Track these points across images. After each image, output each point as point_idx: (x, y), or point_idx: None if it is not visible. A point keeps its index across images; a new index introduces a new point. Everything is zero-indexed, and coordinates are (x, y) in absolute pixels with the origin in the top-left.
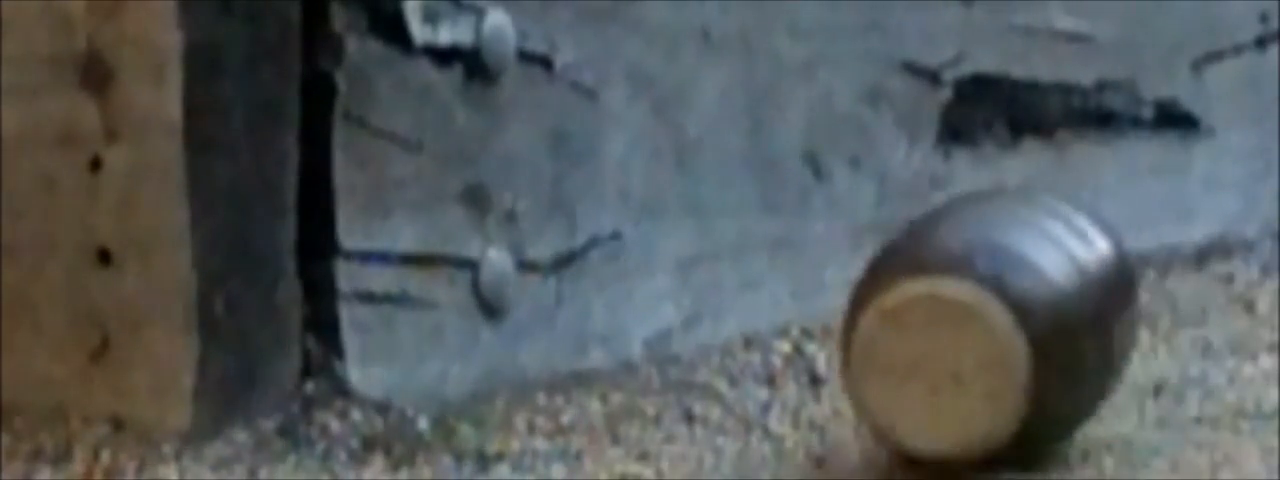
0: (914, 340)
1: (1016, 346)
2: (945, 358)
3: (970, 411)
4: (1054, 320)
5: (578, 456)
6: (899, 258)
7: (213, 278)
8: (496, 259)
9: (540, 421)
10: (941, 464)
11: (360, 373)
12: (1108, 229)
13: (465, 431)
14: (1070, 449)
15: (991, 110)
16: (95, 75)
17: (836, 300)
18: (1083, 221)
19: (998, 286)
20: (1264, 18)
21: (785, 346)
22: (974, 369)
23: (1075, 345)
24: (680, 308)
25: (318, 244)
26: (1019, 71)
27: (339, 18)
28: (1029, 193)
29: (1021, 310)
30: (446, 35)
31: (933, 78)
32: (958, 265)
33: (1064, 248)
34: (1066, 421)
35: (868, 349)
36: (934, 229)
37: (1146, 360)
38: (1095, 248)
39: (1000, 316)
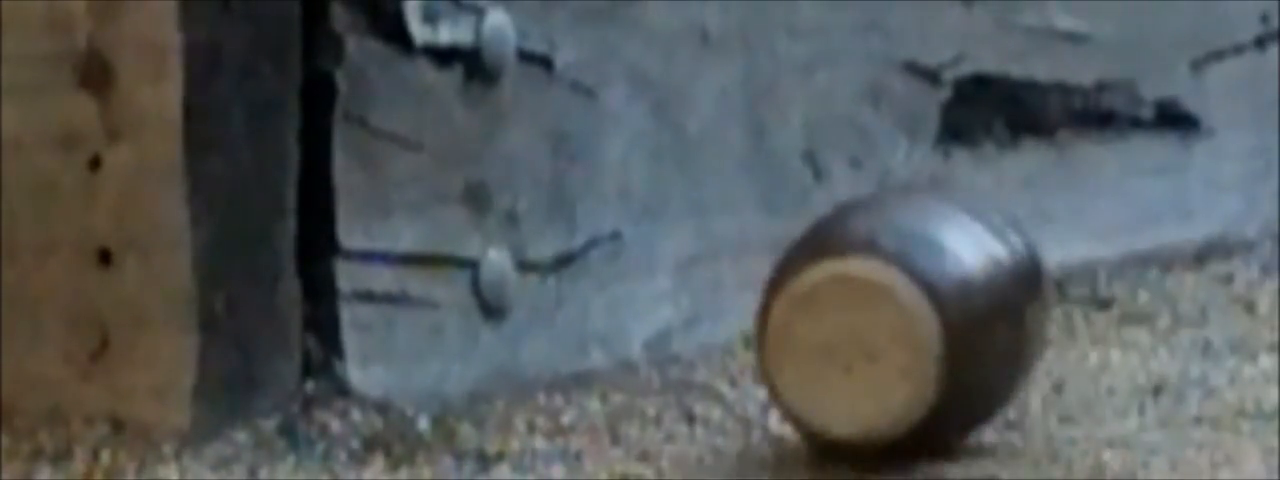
0: (826, 323)
1: (926, 319)
2: (858, 337)
3: (886, 388)
4: (962, 297)
5: (578, 456)
6: (806, 245)
7: (213, 278)
8: (496, 259)
9: (540, 421)
10: (859, 446)
11: (360, 373)
12: (1018, 227)
13: (465, 431)
14: (1071, 449)
15: (991, 110)
16: (95, 75)
17: None
18: (994, 217)
19: (904, 263)
20: (1264, 18)
21: None
22: (887, 345)
23: (985, 324)
24: (680, 308)
25: (318, 244)
26: (1019, 71)
27: (339, 18)
28: (943, 192)
29: (929, 285)
30: (446, 35)
31: (933, 78)
32: (864, 245)
33: (972, 234)
34: (981, 402)
35: (781, 336)
36: (842, 218)
37: (1146, 360)
38: (1006, 239)
39: (909, 290)
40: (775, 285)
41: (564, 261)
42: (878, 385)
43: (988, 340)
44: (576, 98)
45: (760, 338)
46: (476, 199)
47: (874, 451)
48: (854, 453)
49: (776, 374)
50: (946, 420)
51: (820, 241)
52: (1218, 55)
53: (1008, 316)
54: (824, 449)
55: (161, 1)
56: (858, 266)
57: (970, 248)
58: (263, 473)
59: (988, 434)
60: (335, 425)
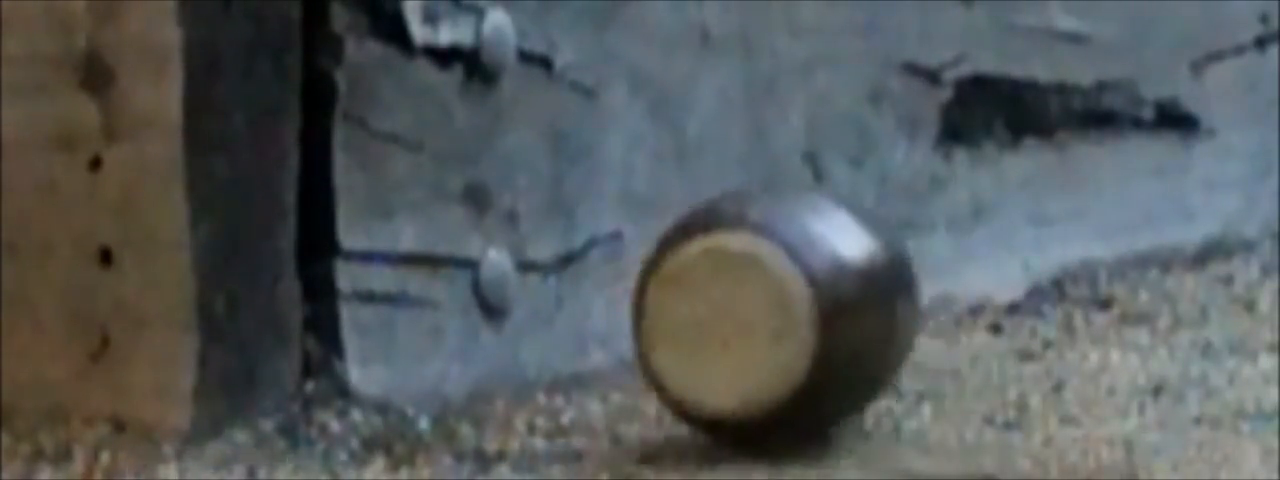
0: (699, 300)
1: (796, 284)
2: (731, 311)
3: (763, 357)
4: (833, 270)
5: (578, 456)
6: (676, 228)
7: (213, 278)
8: (496, 259)
9: (540, 421)
10: (740, 420)
11: (360, 373)
12: (887, 227)
13: (465, 431)
14: (1071, 449)
15: (991, 110)
16: (95, 75)
17: None
18: (871, 214)
19: (773, 235)
20: (1264, 18)
21: None
22: (760, 314)
23: (857, 306)
24: None
25: (318, 244)
26: (1019, 71)
27: (339, 18)
28: (822, 190)
29: (798, 255)
30: (446, 35)
31: (933, 78)
32: (733, 220)
33: (846, 224)
34: (856, 382)
35: (657, 320)
36: (714, 202)
37: (1146, 360)
38: (880, 235)
39: (776, 257)
40: (647, 269)
41: (564, 261)
42: (754, 356)
43: (859, 321)
44: (576, 98)
45: (636, 323)
46: (476, 199)
47: (754, 426)
48: (736, 429)
49: (654, 357)
50: (824, 391)
51: (690, 222)
52: (1218, 55)
53: (880, 306)
54: (708, 428)
55: (161, 1)
56: (726, 239)
57: (843, 234)
58: (263, 473)
59: (987, 434)
60: (335, 425)
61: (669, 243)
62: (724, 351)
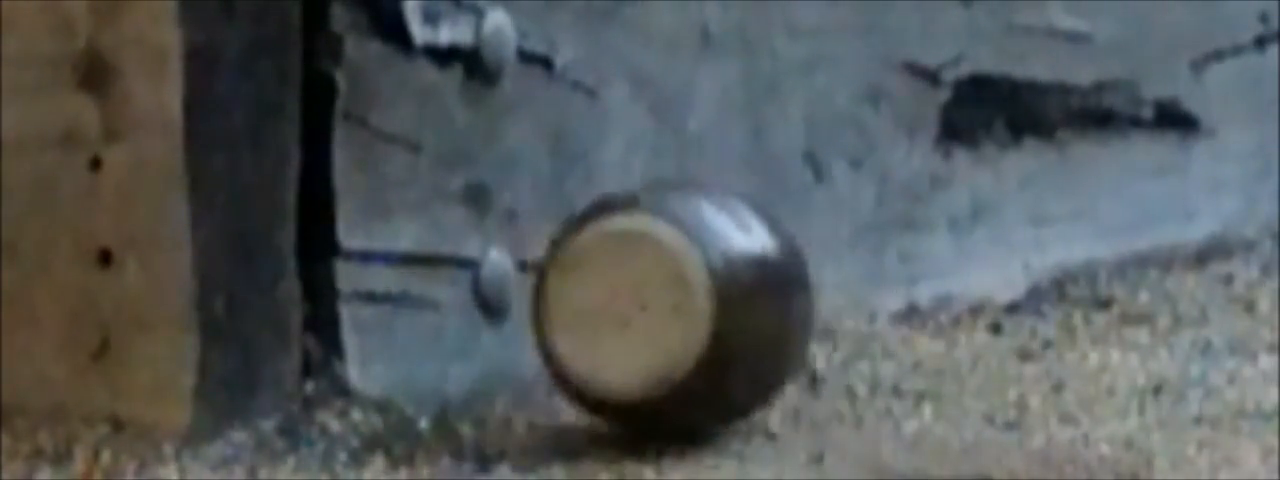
0: (597, 284)
1: (690, 257)
2: (629, 290)
3: (663, 333)
4: (724, 244)
5: (578, 456)
6: (572, 219)
7: (213, 278)
8: (496, 259)
9: (540, 421)
10: (640, 400)
11: (360, 373)
12: (781, 223)
13: (465, 431)
14: (1071, 449)
15: (991, 110)
16: (95, 75)
17: (837, 300)
18: (760, 207)
19: (664, 214)
20: (1264, 18)
21: None
22: (657, 290)
23: (748, 275)
24: None
25: (318, 244)
26: (1019, 71)
27: (339, 18)
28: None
29: (689, 230)
30: (446, 35)
31: (933, 78)
32: (627, 204)
33: (743, 215)
34: (755, 360)
35: (557, 307)
36: (610, 195)
37: (1146, 360)
38: (777, 232)
39: (671, 233)
40: (545, 261)
41: None
42: (654, 332)
43: (755, 299)
44: (576, 98)
45: (536, 313)
46: (476, 199)
47: (654, 406)
48: (637, 409)
49: (556, 344)
50: (726, 366)
51: (585, 212)
52: (1218, 55)
53: (774, 296)
54: (613, 412)
55: (161, 1)
56: (620, 221)
57: (736, 216)
58: (263, 473)
59: (987, 433)
60: (335, 425)
61: (565, 232)
62: (625, 332)
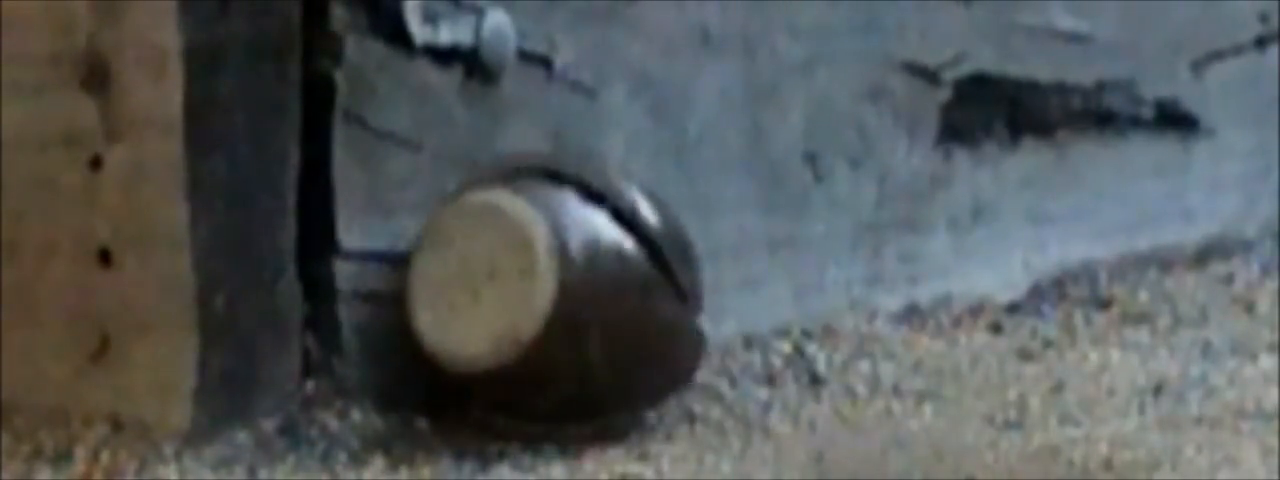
0: (452, 258)
1: (536, 225)
2: (479, 262)
3: (508, 297)
4: (571, 213)
5: (578, 456)
6: (437, 202)
7: (213, 278)
8: None
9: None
10: (493, 365)
11: (360, 373)
12: (668, 209)
13: (465, 431)
14: (1071, 449)
15: (991, 110)
16: (95, 75)
17: (837, 300)
18: (665, 214)
19: (516, 187)
20: (1264, 18)
21: (785, 346)
22: (504, 257)
23: (601, 255)
24: None
25: (318, 244)
26: (1019, 71)
27: (339, 18)
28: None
29: (538, 203)
30: (446, 35)
31: (933, 78)
32: (479, 183)
33: (605, 211)
34: (604, 326)
35: (418, 284)
36: (469, 175)
37: (1146, 360)
38: (660, 225)
39: (515, 203)
40: (411, 256)
41: None
42: (501, 298)
43: (603, 276)
44: (576, 98)
45: (403, 294)
46: None
47: (512, 373)
48: (495, 377)
49: (417, 320)
50: (571, 330)
51: (445, 196)
52: (1218, 55)
53: (633, 284)
54: (475, 384)
55: (161, 1)
56: (470, 197)
57: (614, 208)
58: (263, 473)
59: (987, 433)
60: (335, 425)
61: (431, 212)
62: (476, 302)
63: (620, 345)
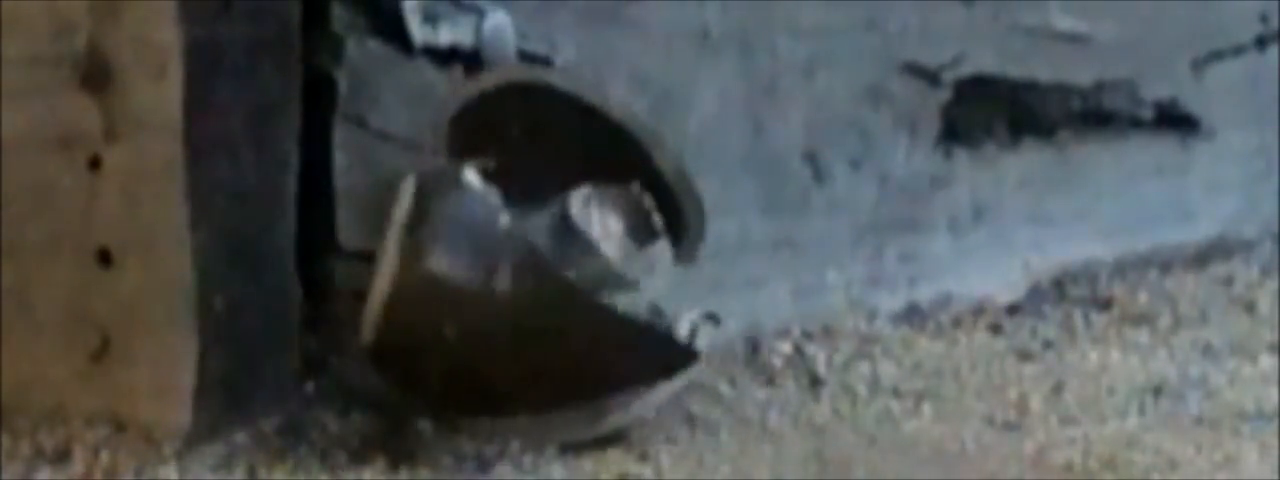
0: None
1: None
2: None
3: (382, 276)
4: (443, 210)
5: (578, 456)
6: None
7: (213, 278)
8: None
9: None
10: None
11: (360, 373)
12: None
13: (465, 431)
14: (1071, 449)
15: (991, 110)
16: (95, 75)
17: (836, 300)
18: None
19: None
20: (1264, 18)
21: (785, 346)
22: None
23: (445, 252)
24: (680, 307)
25: (318, 244)
26: (1019, 71)
27: (339, 18)
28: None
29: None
30: (446, 35)
31: (933, 78)
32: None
33: (483, 207)
34: (443, 311)
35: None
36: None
37: (1146, 360)
38: (505, 237)
39: (409, 179)
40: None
41: None
42: (379, 279)
43: (443, 258)
44: None
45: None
46: None
47: (389, 346)
48: (381, 355)
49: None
50: (414, 311)
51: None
52: (1218, 55)
53: (483, 281)
54: (375, 365)
55: (161, 1)
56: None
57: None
58: (262, 473)
59: (987, 434)
60: (335, 425)
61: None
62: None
63: (469, 341)
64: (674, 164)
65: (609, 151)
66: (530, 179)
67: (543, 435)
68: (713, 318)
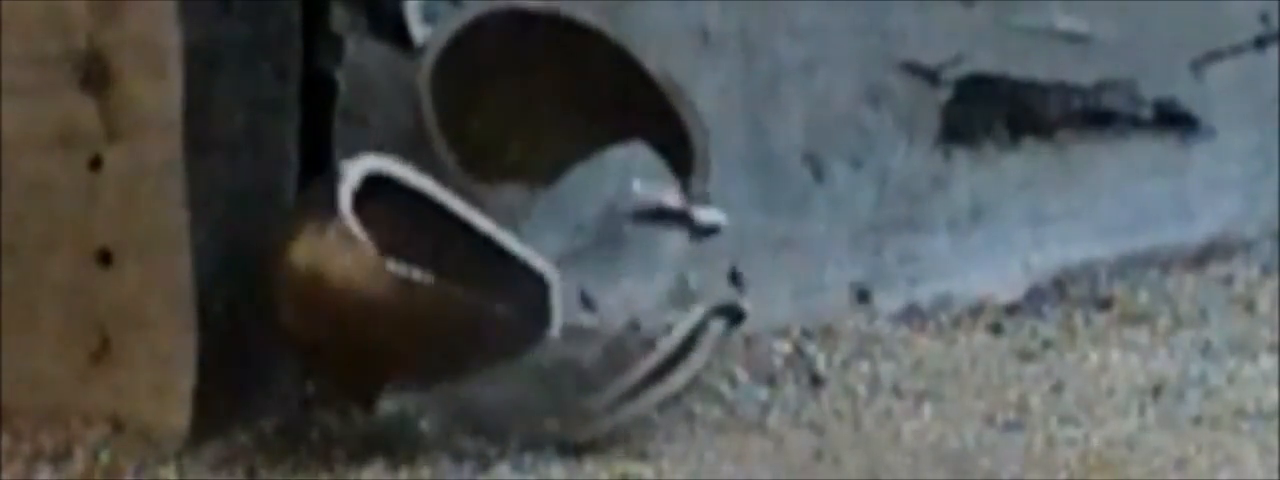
0: None
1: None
2: None
3: None
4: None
5: (578, 456)
6: None
7: (213, 278)
8: None
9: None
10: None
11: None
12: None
13: (464, 431)
14: (1071, 449)
15: (991, 110)
16: (95, 75)
17: (836, 300)
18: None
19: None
20: (1264, 18)
21: (785, 346)
22: None
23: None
24: (680, 308)
25: None
26: (1019, 71)
27: (339, 18)
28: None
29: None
30: None
31: (933, 78)
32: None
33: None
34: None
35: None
36: None
37: (1146, 360)
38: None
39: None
40: None
41: (564, 261)
42: None
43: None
44: None
45: None
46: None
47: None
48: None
49: None
50: (305, 285)
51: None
52: (1218, 55)
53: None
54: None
55: (161, 1)
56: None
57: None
58: (263, 473)
59: (987, 434)
60: (335, 425)
61: None
62: None
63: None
64: (663, 75)
65: (602, 71)
66: (519, 109)
67: (539, 435)
68: (733, 311)
